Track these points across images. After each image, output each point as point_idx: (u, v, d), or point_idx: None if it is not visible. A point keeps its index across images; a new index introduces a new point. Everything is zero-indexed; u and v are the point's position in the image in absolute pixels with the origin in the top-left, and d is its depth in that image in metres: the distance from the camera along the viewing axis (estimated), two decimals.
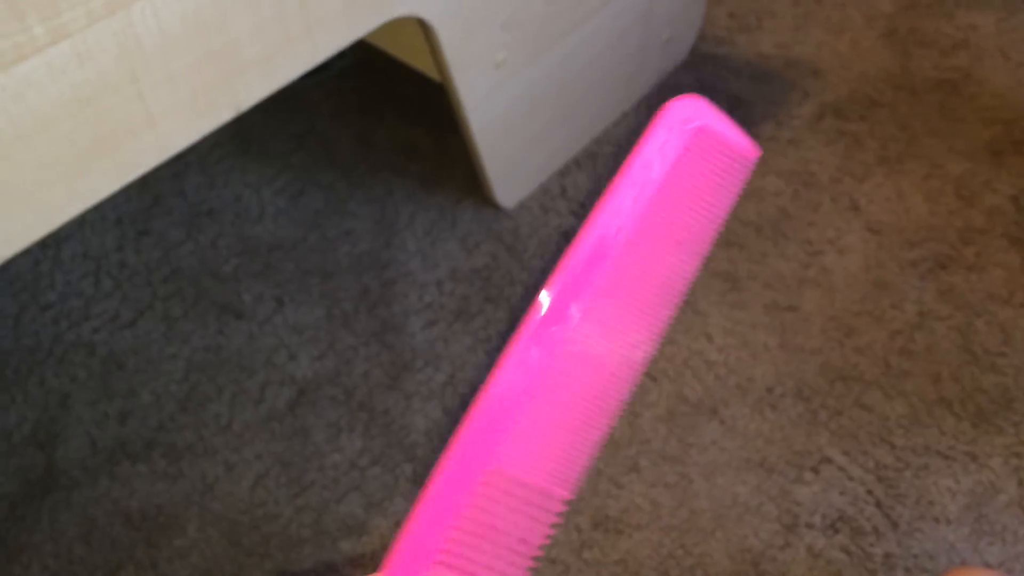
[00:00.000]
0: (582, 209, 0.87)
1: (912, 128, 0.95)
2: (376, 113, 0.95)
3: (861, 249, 0.84)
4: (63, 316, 0.79)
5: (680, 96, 0.43)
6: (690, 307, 0.80)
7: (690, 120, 0.43)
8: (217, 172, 0.89)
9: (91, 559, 0.66)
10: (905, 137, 0.94)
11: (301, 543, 0.67)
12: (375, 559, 0.66)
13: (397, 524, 0.67)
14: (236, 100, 0.54)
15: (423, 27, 0.66)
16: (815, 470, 0.70)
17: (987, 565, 0.66)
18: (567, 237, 0.85)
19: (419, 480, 0.70)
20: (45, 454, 0.71)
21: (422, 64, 0.81)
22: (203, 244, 0.83)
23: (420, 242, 0.84)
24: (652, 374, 0.76)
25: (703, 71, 1.00)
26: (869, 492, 0.69)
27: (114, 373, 0.75)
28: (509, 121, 0.80)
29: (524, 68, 0.77)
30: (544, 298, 0.39)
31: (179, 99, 0.51)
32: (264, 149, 0.91)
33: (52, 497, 0.69)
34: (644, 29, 0.90)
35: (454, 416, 0.73)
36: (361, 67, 0.99)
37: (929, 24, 1.06)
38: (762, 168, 0.91)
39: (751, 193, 0.88)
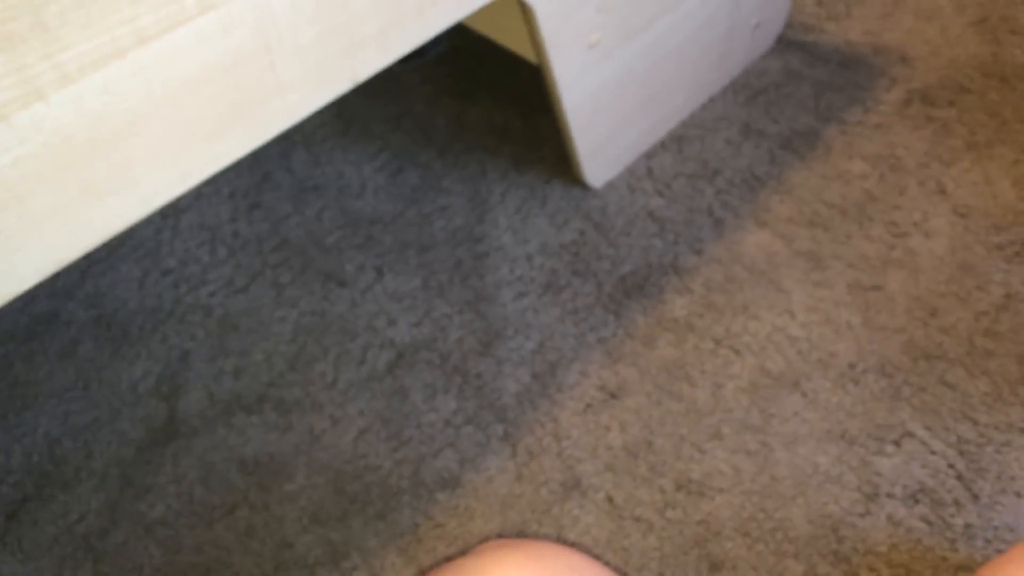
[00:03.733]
0: (667, 190, 0.90)
1: (1001, 115, 0.95)
2: (469, 96, 0.99)
3: (947, 232, 0.85)
4: (182, 280, 0.85)
5: None
6: (773, 285, 0.82)
7: None
8: (322, 151, 0.94)
9: (209, 500, 0.71)
10: (994, 124, 0.94)
11: (400, 493, 0.71)
12: (468, 511, 0.70)
13: (489, 480, 0.71)
14: (354, 72, 0.59)
15: (523, 8, 0.70)
16: (897, 443, 0.72)
17: None
18: (653, 217, 0.88)
19: (509, 439, 0.74)
20: (168, 405, 0.77)
21: (517, 46, 0.85)
22: (309, 217, 0.89)
23: (511, 218, 0.88)
24: (736, 347, 0.78)
25: (790, 57, 1.02)
26: (950, 465, 0.70)
27: (229, 333, 0.81)
28: (600, 101, 0.83)
29: (616, 49, 0.81)
30: None
31: (305, 69, 0.55)
32: (365, 129, 0.96)
33: (174, 444, 0.74)
34: (733, 15, 0.92)
35: (542, 381, 0.77)
36: (455, 53, 1.03)
37: (1021, 12, 1.05)
38: (848, 152, 0.92)
39: (836, 176, 0.90)
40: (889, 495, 0.69)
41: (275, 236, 0.88)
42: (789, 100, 0.98)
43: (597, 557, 0.43)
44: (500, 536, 0.66)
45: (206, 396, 0.77)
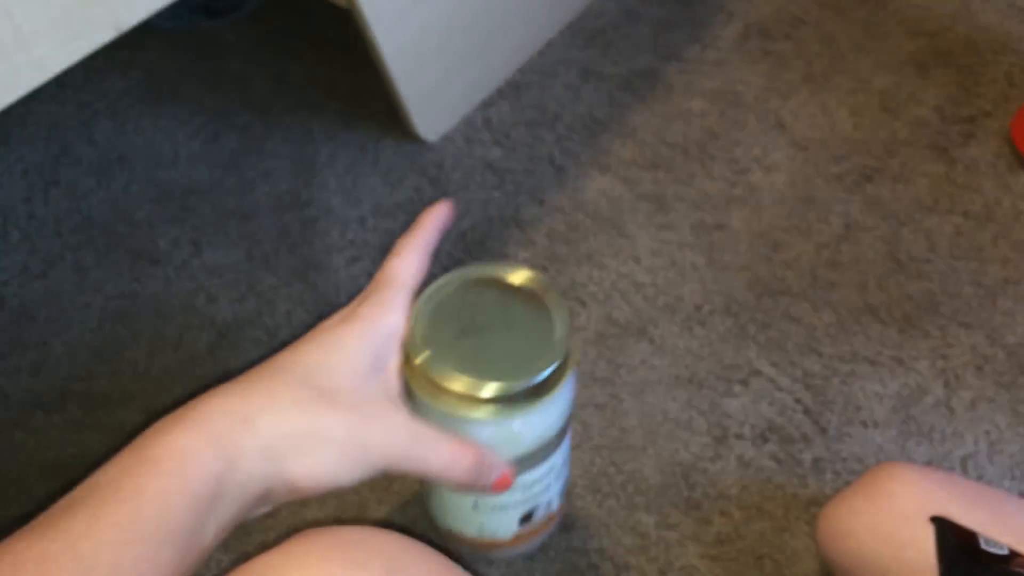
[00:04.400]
0: (506, 139, 0.86)
1: (837, 45, 0.94)
2: (291, 52, 0.92)
3: (787, 166, 0.84)
4: None
5: None
6: (617, 231, 0.79)
7: None
8: (127, 118, 0.86)
9: (7, 512, 0.64)
10: (830, 54, 0.93)
11: None
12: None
13: None
14: (116, 19, 0.52)
15: None
16: (744, 383, 0.70)
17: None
18: (492, 168, 0.84)
19: None
20: None
21: None
22: (115, 192, 0.81)
23: (341, 180, 0.82)
24: (581, 298, 0.75)
25: None
26: (797, 400, 0.69)
27: (25, 325, 0.73)
28: (423, 48, 0.78)
29: None
30: None
31: (53, 17, 0.48)
32: (175, 93, 0.88)
33: None
34: None
35: None
36: (272, 6, 0.96)
37: None
38: (688, 90, 0.90)
39: (677, 115, 0.87)
40: (738, 436, 0.67)
41: (76, 215, 0.79)
42: (627, 40, 0.95)
43: (420, 538, 0.39)
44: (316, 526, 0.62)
45: (0, 398, 0.69)
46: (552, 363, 0.46)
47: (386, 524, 0.64)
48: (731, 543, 0.62)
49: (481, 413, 0.45)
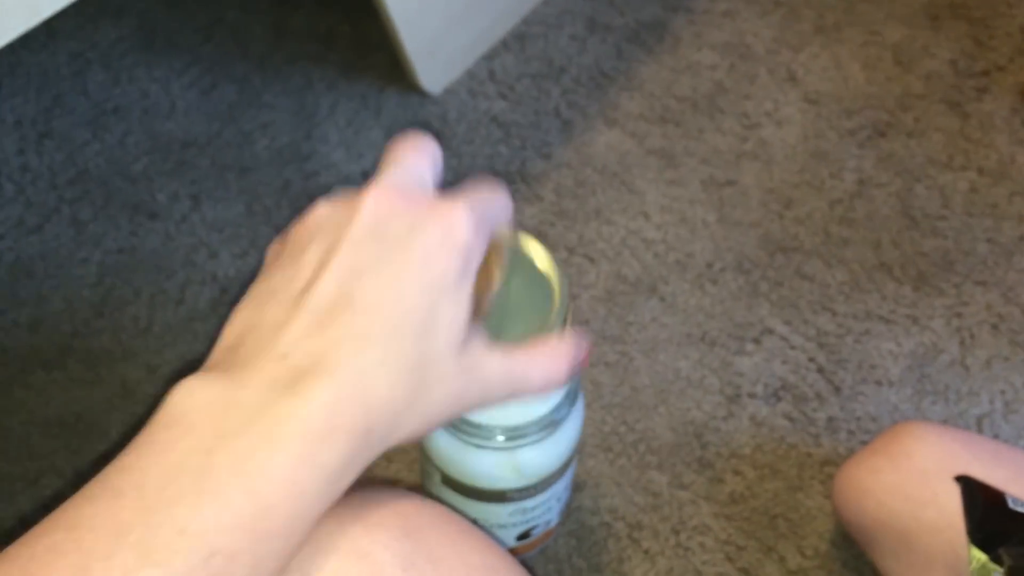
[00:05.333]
0: (511, 92, 0.84)
1: None
2: (289, 0, 0.89)
3: (799, 120, 0.82)
4: None
5: None
6: (626, 187, 0.78)
7: None
8: (121, 68, 0.83)
9: (10, 471, 0.63)
10: (842, 5, 0.91)
11: None
12: None
13: None
14: None
15: None
16: (756, 341, 0.69)
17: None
18: (497, 122, 0.82)
19: None
20: None
21: None
22: (110, 143, 0.78)
23: (342, 132, 0.80)
24: (590, 255, 0.74)
25: None
26: (811, 359, 0.68)
27: (22, 280, 0.71)
28: None
29: None
30: None
31: None
32: (171, 42, 0.85)
33: None
34: None
35: None
36: None
37: None
38: (697, 42, 0.87)
39: (686, 68, 0.85)
40: (751, 395, 0.67)
41: (71, 167, 0.77)
42: None
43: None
44: None
45: None
46: (559, 398, 0.45)
47: (396, 482, 0.63)
48: (744, 502, 0.62)
49: (487, 443, 0.44)
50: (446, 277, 0.31)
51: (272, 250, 0.35)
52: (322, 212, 0.33)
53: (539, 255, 0.44)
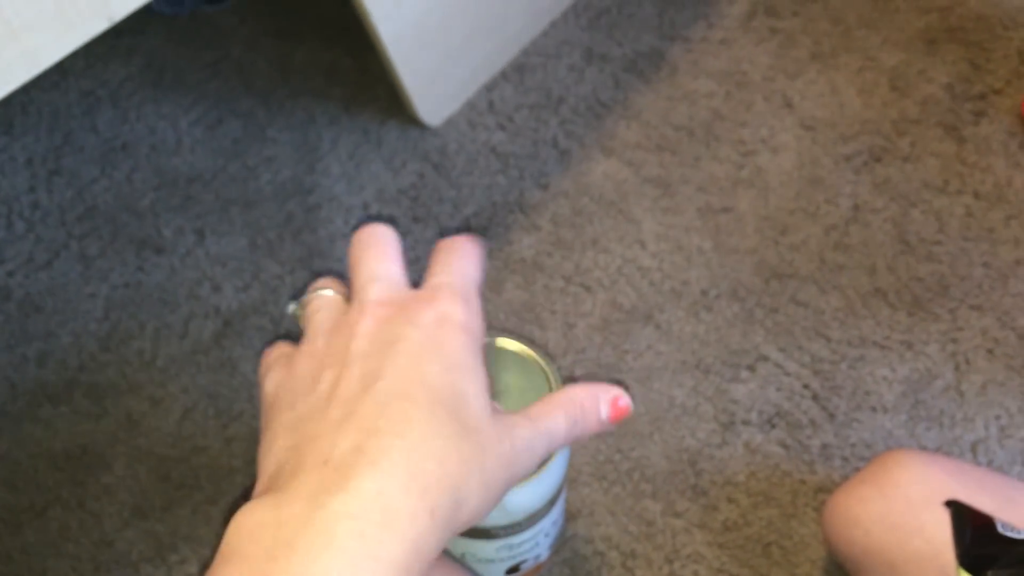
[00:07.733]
0: (510, 123, 0.85)
1: (845, 22, 0.93)
2: (293, 36, 0.91)
3: (795, 147, 0.83)
4: None
5: None
6: (623, 215, 0.78)
7: None
8: (130, 105, 0.86)
9: (16, 503, 0.64)
10: (838, 31, 0.92)
11: (233, 472, 0.65)
12: None
13: None
14: (109, 10, 0.51)
15: None
16: (751, 368, 0.70)
17: (924, 449, 0.65)
18: (495, 152, 0.83)
19: None
20: None
21: None
22: (118, 180, 0.80)
23: (344, 165, 0.82)
24: (586, 284, 0.74)
25: None
26: (805, 386, 0.69)
27: (31, 316, 0.73)
28: (423, 31, 0.77)
29: None
30: None
31: (42, 8, 0.48)
32: (178, 79, 0.88)
33: None
34: None
35: None
36: None
37: None
38: (693, 71, 0.88)
39: (683, 97, 0.86)
40: (745, 422, 0.67)
41: (80, 204, 0.79)
42: (632, 20, 0.93)
43: None
44: None
45: (7, 388, 0.69)
46: None
47: None
48: (738, 530, 0.62)
49: None
50: (459, 354, 0.32)
51: (264, 363, 0.35)
52: (319, 344, 0.33)
53: (516, 346, 0.46)
